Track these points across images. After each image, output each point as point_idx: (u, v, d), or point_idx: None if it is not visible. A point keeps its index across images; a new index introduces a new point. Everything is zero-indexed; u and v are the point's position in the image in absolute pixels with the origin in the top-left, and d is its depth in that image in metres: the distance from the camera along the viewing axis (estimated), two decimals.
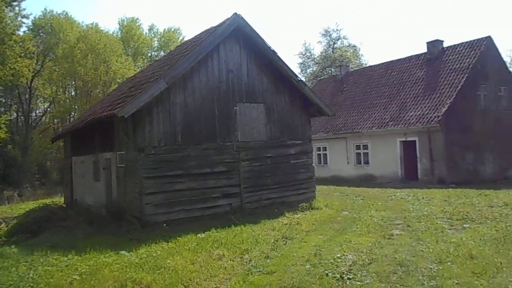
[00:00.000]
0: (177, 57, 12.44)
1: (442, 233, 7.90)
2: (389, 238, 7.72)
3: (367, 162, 22.10)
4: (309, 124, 13.99)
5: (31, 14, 51.69)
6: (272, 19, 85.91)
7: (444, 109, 18.49)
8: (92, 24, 43.03)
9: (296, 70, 48.77)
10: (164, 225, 10.09)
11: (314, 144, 20.95)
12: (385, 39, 74.03)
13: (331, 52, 45.63)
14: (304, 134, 13.62)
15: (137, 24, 48.21)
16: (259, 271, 6.10)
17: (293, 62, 61.09)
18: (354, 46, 47.44)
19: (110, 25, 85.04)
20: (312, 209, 11.70)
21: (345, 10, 77.89)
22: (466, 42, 20.93)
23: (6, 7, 26.28)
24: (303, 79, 41.94)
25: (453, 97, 18.75)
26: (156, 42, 50.36)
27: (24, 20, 31.03)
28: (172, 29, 50.43)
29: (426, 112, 19.22)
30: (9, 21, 27.26)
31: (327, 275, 5.67)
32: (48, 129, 40.70)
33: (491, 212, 9.82)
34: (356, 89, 25.65)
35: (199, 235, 8.69)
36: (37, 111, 42.79)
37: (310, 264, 6.21)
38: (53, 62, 38.58)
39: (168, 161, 10.76)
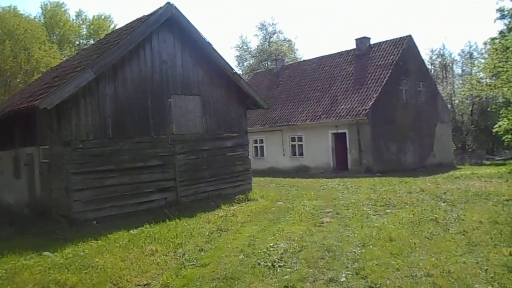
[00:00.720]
0: (106, 46, 11.83)
1: (367, 219, 8.47)
2: (319, 226, 8.10)
3: (301, 154, 22.89)
4: (245, 116, 14.13)
5: None
6: (208, 10, 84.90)
7: (371, 102, 19.73)
8: (9, 7, 39.19)
9: (233, 63, 48.83)
10: (94, 222, 9.65)
11: (251, 136, 21.21)
12: (318, 34, 76.82)
13: (268, 46, 46.33)
14: (241, 126, 13.74)
15: (62, 9, 44.78)
16: (193, 264, 6.09)
17: (230, 55, 60.95)
18: (289, 40, 48.69)
19: (31, 9, 78.14)
20: (248, 200, 11.89)
21: (280, 4, 79.37)
22: (390, 40, 22.46)
23: None
24: (240, 72, 42.02)
25: (379, 91, 20.07)
26: (84, 29, 47.26)
27: None
28: (103, 17, 47.62)
29: (355, 105, 20.35)
30: None
31: (259, 264, 5.82)
32: None
33: (409, 198, 10.71)
34: (291, 83, 26.35)
35: (131, 231, 8.42)
36: None
37: (244, 255, 6.33)
38: None
39: (98, 156, 10.25)
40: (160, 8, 11.61)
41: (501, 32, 27.95)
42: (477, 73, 30.43)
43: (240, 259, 6.13)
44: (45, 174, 11.13)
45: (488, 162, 30.96)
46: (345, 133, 20.60)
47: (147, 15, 11.94)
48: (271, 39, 48.04)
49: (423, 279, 4.93)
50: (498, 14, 32.38)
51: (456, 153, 33.78)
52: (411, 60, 22.38)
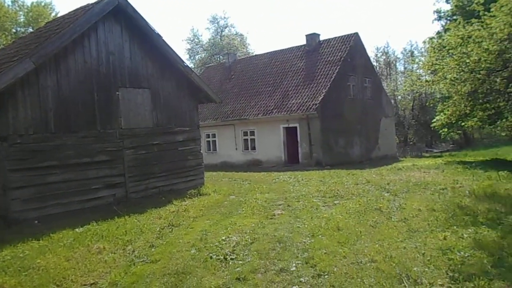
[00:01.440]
0: (47, 35, 11.10)
1: (316, 210, 8.74)
2: (271, 218, 8.24)
3: (254, 148, 23.09)
4: (197, 110, 13.96)
5: None
6: (159, 1, 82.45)
7: (321, 97, 20.31)
8: None
9: (185, 56, 47.99)
10: (36, 221, 9.09)
11: (203, 131, 21.02)
12: (270, 29, 77.47)
13: (219, 40, 46.00)
14: (192, 120, 13.56)
15: None
16: (143, 261, 5.95)
17: (181, 48, 59.95)
18: (241, 34, 48.67)
19: None
20: (200, 195, 11.80)
21: None
22: (339, 37, 23.21)
23: None
24: (191, 65, 41.36)
25: (328, 87, 20.70)
26: (22, 17, 44.02)
27: None
28: (43, 3, 44.59)
29: (306, 100, 20.84)
30: None
31: (211, 257, 5.82)
32: None
33: (356, 189, 11.20)
34: (243, 77, 26.41)
35: (76, 229, 8.04)
36: None
37: (196, 249, 6.29)
38: None
39: (39, 151, 9.65)
40: None
41: (438, 32, 29.99)
42: (417, 70, 32.34)
43: (191, 254, 6.08)
44: None
45: (427, 155, 33.14)
46: (296, 127, 21.05)
47: (92, 3, 11.38)
48: (223, 33, 47.75)
49: (368, 265, 5.20)
50: (436, 16, 34.70)
51: (399, 146, 35.79)
52: (358, 57, 23.29)
